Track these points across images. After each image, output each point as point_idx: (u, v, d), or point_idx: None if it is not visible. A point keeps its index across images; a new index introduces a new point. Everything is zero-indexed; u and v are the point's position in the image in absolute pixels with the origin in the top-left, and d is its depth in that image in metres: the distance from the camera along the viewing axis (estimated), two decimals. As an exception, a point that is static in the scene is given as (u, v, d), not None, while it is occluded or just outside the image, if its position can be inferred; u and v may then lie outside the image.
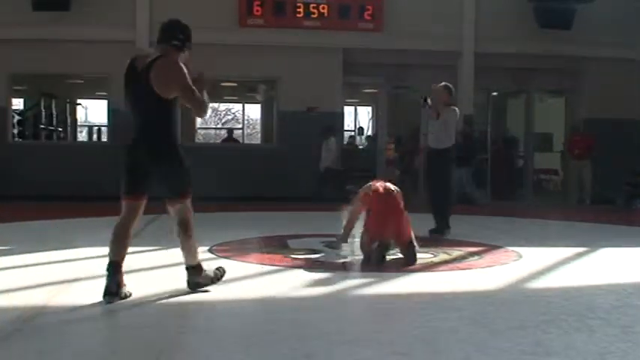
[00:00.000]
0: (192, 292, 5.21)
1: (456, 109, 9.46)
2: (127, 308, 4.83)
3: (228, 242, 8.14)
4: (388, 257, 6.86)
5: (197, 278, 5.23)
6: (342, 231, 7.11)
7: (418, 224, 9.55)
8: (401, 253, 6.85)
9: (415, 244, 6.83)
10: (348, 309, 5.07)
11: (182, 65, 4.84)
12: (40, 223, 10.21)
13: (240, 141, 21.30)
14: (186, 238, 5.20)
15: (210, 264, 6.67)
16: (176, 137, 5.03)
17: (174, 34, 4.99)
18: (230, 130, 21.94)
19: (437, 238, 8.69)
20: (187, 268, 5.26)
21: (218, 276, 5.36)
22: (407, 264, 6.70)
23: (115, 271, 4.88)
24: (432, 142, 9.30)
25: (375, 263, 6.68)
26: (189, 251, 5.24)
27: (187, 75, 4.81)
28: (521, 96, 17.29)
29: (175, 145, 4.98)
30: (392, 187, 7.03)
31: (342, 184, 14.32)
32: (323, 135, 14.80)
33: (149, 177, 5.04)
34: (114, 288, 4.84)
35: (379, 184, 7.01)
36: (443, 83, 9.49)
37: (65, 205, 12.82)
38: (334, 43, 15.22)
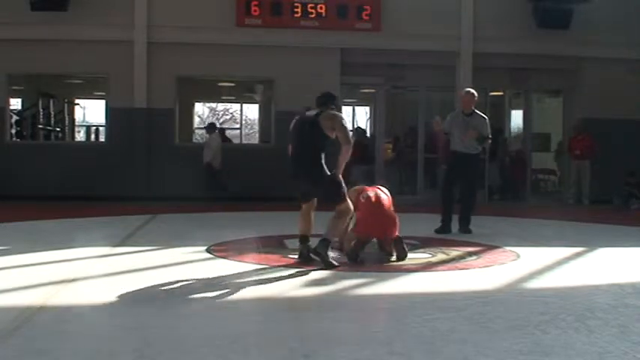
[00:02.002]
0: (187, 291, 5.20)
1: (485, 116, 9.69)
2: (125, 308, 4.83)
3: (225, 242, 8.14)
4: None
5: (321, 250, 6.44)
6: (352, 246, 7.03)
7: (420, 224, 9.61)
8: (390, 250, 6.91)
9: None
10: (346, 309, 5.06)
11: (343, 116, 6.87)
12: (38, 223, 10.20)
13: (237, 141, 21.21)
14: (335, 221, 6.70)
15: (208, 264, 6.70)
16: (323, 156, 6.70)
17: (331, 102, 6.84)
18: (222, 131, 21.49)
19: (466, 232, 9.24)
20: (322, 239, 6.52)
21: (331, 266, 6.38)
22: (398, 258, 6.82)
23: (304, 240, 6.78)
24: (462, 147, 9.43)
25: (349, 261, 6.74)
26: (330, 227, 6.66)
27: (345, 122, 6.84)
28: (520, 96, 17.30)
29: (325, 168, 6.66)
30: (382, 189, 7.25)
31: (218, 184, 14.34)
32: (207, 131, 14.82)
33: (310, 189, 6.75)
34: (305, 253, 6.71)
35: (369, 188, 7.26)
36: (468, 89, 9.84)
37: (63, 205, 12.82)
38: (332, 43, 15.22)
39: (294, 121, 6.98)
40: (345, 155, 6.66)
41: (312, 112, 6.82)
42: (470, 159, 9.49)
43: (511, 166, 16.87)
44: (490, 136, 9.71)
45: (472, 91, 9.74)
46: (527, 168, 16.69)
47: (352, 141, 6.84)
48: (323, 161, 6.69)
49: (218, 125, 20.51)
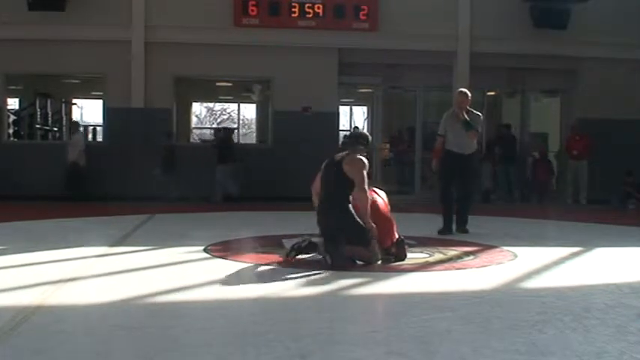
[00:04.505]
0: (185, 291, 5.20)
1: (479, 113, 9.68)
2: (123, 308, 4.83)
3: (223, 242, 8.14)
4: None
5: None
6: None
7: (417, 224, 9.61)
8: (392, 251, 6.87)
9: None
10: (343, 309, 5.06)
11: (364, 161, 6.68)
12: (35, 223, 10.20)
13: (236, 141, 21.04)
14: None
15: (205, 264, 6.70)
16: (349, 200, 6.64)
17: (360, 142, 6.95)
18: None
19: (463, 232, 9.25)
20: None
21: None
22: (397, 259, 6.77)
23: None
24: (457, 147, 9.38)
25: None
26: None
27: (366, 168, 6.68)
28: (517, 96, 17.31)
29: (348, 207, 6.61)
30: (378, 192, 7.12)
31: (84, 181, 14.26)
32: (70, 130, 14.87)
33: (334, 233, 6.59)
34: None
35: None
36: (462, 89, 9.75)
37: (60, 205, 12.81)
38: (329, 42, 15.24)
39: (325, 162, 6.88)
40: (366, 204, 6.57)
41: (340, 155, 6.75)
42: (465, 159, 9.41)
43: (534, 166, 16.71)
44: (478, 130, 9.58)
45: (465, 90, 9.69)
46: (552, 167, 16.56)
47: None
48: (350, 207, 6.60)
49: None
